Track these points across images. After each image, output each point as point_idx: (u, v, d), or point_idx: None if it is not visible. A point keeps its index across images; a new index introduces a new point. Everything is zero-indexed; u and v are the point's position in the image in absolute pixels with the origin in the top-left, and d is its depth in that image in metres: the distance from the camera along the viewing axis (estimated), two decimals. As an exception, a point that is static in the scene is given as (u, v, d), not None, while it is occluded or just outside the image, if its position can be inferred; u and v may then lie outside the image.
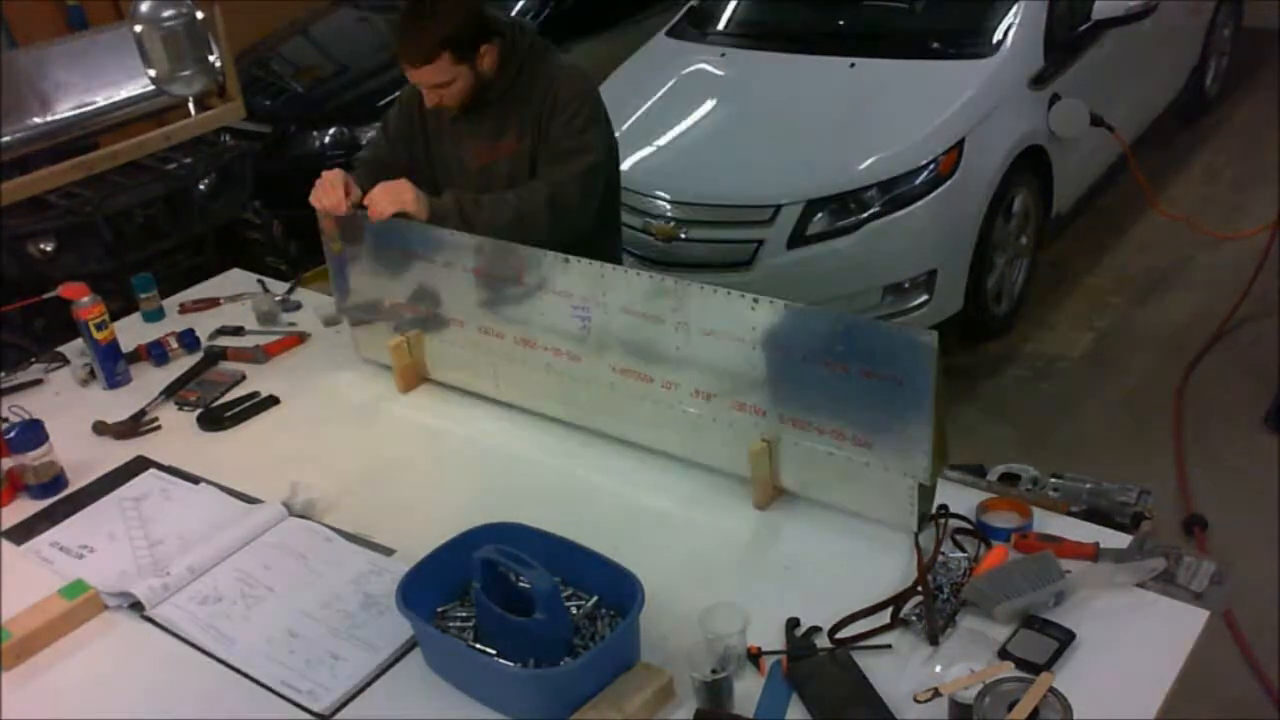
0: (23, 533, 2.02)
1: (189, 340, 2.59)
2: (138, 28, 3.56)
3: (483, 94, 2.33)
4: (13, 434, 2.10)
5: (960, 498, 1.81)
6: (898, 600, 1.61)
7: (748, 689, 1.49)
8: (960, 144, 3.52)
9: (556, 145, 2.32)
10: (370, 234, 2.31)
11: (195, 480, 2.11)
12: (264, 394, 2.37)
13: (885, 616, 1.59)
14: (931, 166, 3.48)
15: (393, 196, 2.19)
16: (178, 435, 2.28)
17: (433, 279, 2.26)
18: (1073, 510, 1.80)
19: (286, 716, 1.56)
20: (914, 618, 1.57)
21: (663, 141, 3.82)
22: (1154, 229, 4.49)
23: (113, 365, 2.47)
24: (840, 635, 1.57)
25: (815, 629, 1.58)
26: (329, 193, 2.25)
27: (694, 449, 1.99)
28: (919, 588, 1.61)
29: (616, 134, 2.54)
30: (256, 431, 2.28)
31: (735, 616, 1.53)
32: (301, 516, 1.96)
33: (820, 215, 3.45)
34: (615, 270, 1.97)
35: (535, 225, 2.24)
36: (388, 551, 1.86)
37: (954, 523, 1.74)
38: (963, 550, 1.70)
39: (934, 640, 1.54)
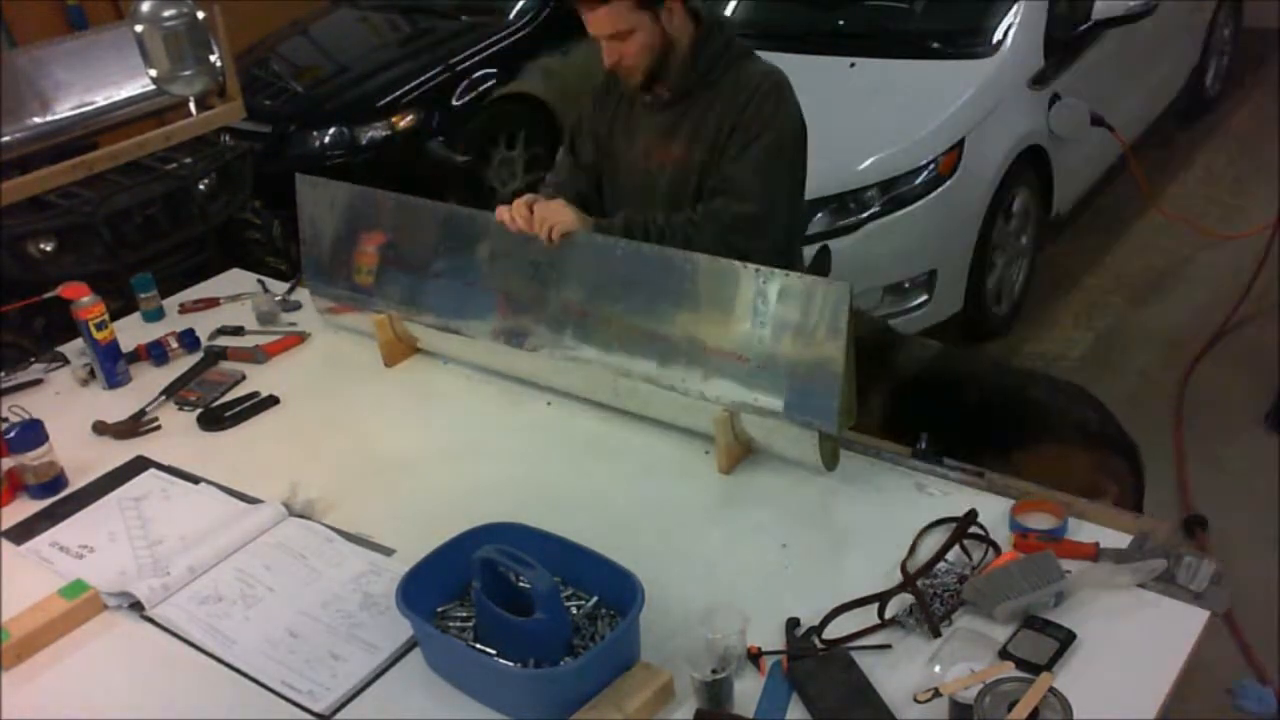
0: (23, 533, 2.02)
1: (189, 340, 2.59)
2: (138, 27, 3.56)
3: (665, 76, 2.11)
4: (13, 434, 2.10)
5: (963, 501, 1.81)
6: (884, 596, 1.60)
7: (748, 689, 1.49)
8: (960, 144, 3.52)
9: (734, 175, 2.07)
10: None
11: (195, 480, 2.11)
12: (264, 394, 2.36)
13: (883, 613, 1.59)
14: (931, 166, 3.48)
15: (555, 218, 2.04)
16: (178, 435, 2.28)
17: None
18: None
19: (286, 716, 1.56)
20: (911, 620, 1.57)
21: (663, 141, 3.82)
22: (1154, 229, 4.49)
23: (113, 365, 2.47)
24: (836, 633, 1.56)
25: (815, 629, 1.58)
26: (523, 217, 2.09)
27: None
28: (911, 585, 1.61)
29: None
30: (256, 431, 2.28)
31: (735, 616, 1.53)
32: (301, 516, 1.96)
33: (820, 215, 3.45)
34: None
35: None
36: (388, 551, 1.86)
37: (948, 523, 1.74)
38: (968, 555, 1.70)
39: (936, 632, 1.54)
